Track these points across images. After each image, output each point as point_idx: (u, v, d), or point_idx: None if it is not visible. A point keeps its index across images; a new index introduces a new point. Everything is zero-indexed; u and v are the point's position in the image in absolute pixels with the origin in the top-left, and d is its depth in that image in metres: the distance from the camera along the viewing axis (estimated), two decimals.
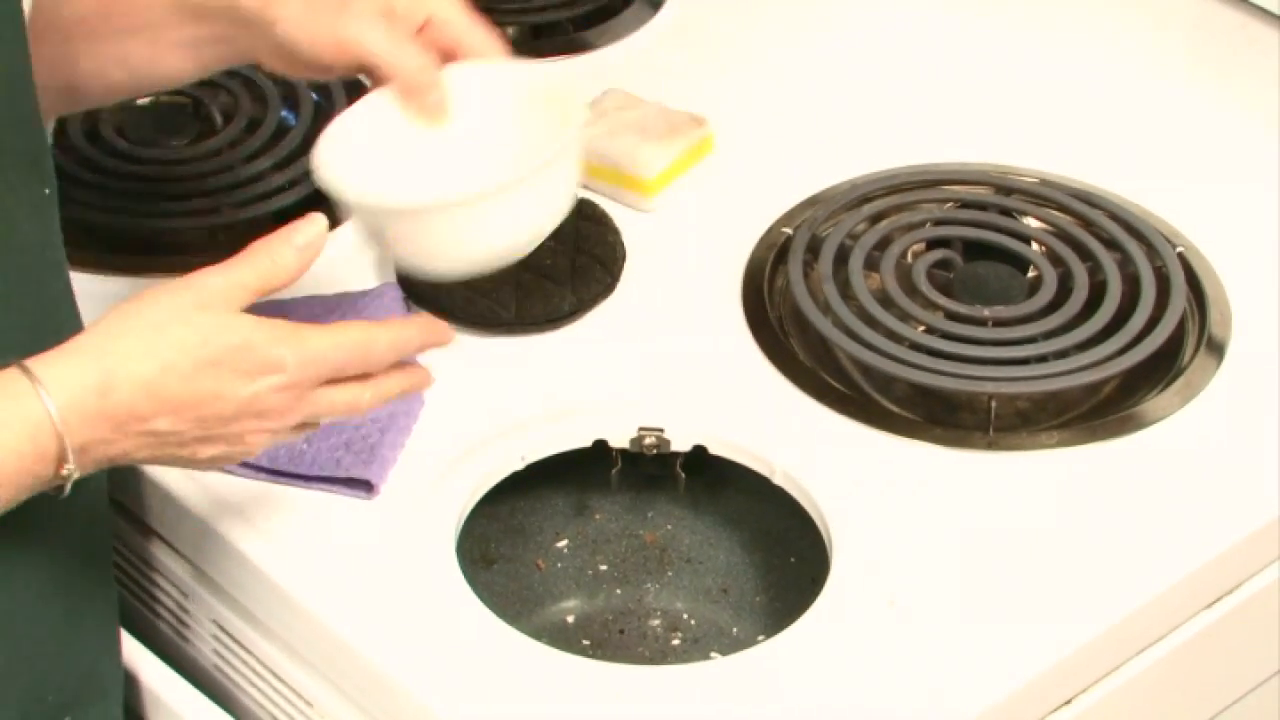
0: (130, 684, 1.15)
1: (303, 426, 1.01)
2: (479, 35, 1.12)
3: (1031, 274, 1.32)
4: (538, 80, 1.14)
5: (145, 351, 0.94)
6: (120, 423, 0.94)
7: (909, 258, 1.32)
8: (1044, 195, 1.37)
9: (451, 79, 1.11)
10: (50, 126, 1.11)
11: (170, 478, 1.16)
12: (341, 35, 1.08)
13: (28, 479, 0.93)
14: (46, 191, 1.03)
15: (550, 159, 1.06)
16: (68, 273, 1.06)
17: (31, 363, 0.93)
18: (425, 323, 1.05)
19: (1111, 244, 1.32)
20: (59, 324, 1.04)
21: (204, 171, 1.37)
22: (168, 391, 0.95)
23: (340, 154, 1.10)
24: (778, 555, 1.25)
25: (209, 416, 0.96)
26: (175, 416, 0.95)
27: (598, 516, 1.27)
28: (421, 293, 1.27)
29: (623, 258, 1.32)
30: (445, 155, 1.13)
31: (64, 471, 0.94)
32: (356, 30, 1.08)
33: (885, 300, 1.28)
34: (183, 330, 0.95)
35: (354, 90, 1.46)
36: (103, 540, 1.11)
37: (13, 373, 0.93)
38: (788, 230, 1.34)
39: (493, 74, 1.13)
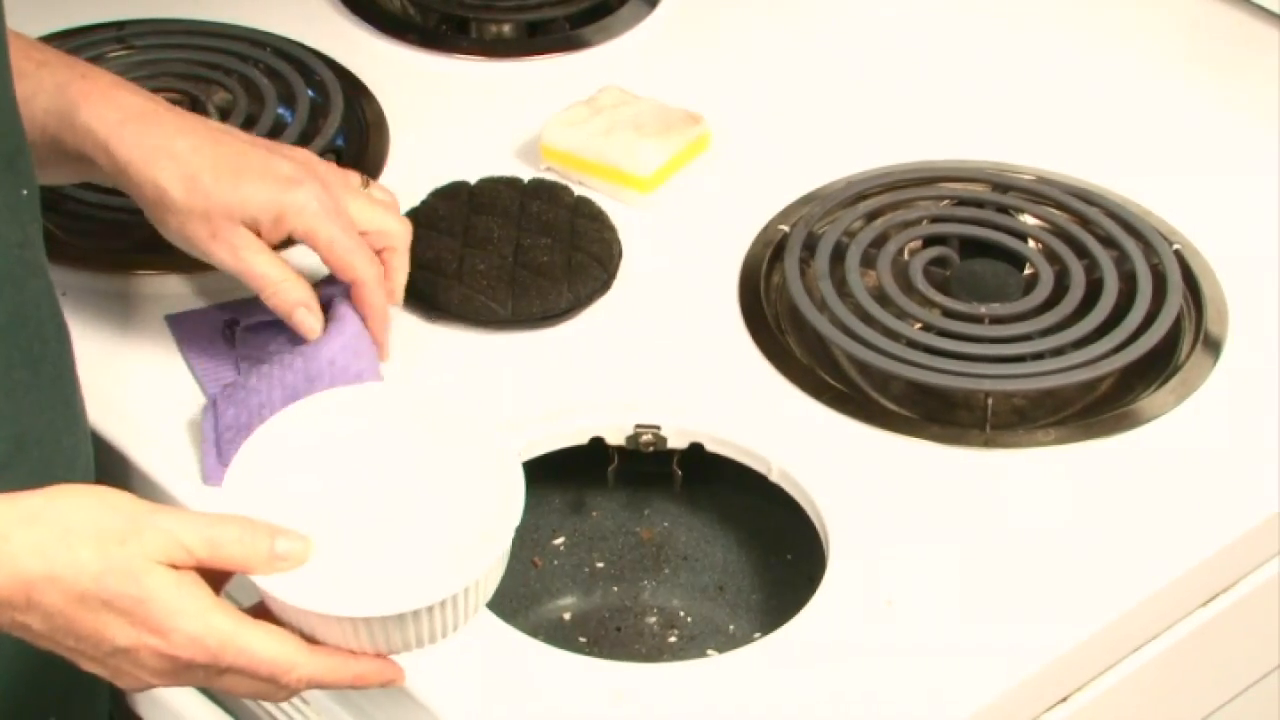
0: None
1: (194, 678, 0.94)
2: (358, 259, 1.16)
3: (1028, 271, 1.32)
4: (477, 428, 1.01)
5: (44, 552, 0.90)
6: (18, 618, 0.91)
7: (906, 255, 1.32)
8: (1041, 193, 1.37)
9: (379, 397, 1.02)
10: None
11: (161, 470, 1.16)
12: (223, 258, 1.14)
13: None
14: (24, 192, 1.03)
15: (490, 564, 0.95)
16: (48, 274, 1.05)
17: None
18: (378, 668, 0.95)
19: (1108, 241, 1.32)
20: (38, 323, 1.03)
21: None
22: (46, 601, 0.90)
23: (253, 479, 0.99)
24: (774, 553, 1.25)
25: (81, 645, 0.92)
26: (48, 625, 0.91)
27: (594, 514, 1.28)
28: (416, 288, 1.27)
29: (619, 255, 1.32)
30: (363, 485, 1.00)
31: None
32: (245, 258, 1.14)
33: (882, 298, 1.28)
34: (90, 554, 0.90)
35: (350, 88, 1.46)
36: None
37: None
38: (784, 228, 1.34)
39: (415, 402, 1.02)
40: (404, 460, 1.00)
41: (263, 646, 0.92)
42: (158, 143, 1.13)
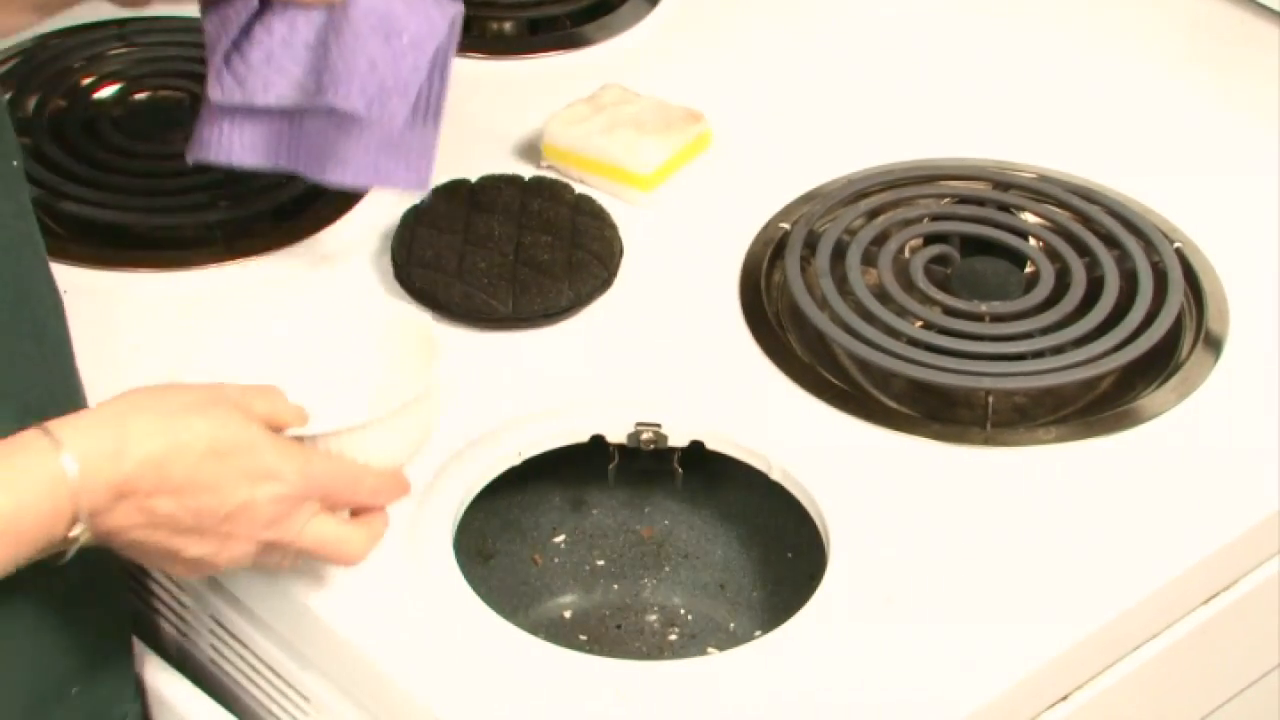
0: None
1: (275, 548, 1.01)
2: None
3: (1029, 269, 1.32)
4: (399, 314, 1.13)
5: (159, 430, 0.96)
6: (124, 494, 0.95)
7: (906, 253, 1.32)
8: (1042, 191, 1.37)
9: (317, 304, 1.12)
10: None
11: None
12: None
13: (41, 536, 0.94)
14: (15, 164, 1.03)
15: (409, 401, 1.05)
16: (43, 246, 1.05)
17: (53, 425, 0.95)
18: (397, 482, 1.06)
19: (1109, 239, 1.32)
20: (39, 296, 1.03)
21: (201, 166, 1.37)
22: (173, 472, 0.96)
23: (203, 367, 1.08)
24: (775, 550, 1.25)
25: (205, 509, 0.97)
26: (175, 500, 0.97)
27: (595, 512, 1.28)
28: (417, 286, 1.27)
29: (620, 253, 1.32)
30: (303, 379, 1.10)
31: (72, 534, 0.95)
32: None
33: (883, 296, 1.28)
34: (198, 419, 0.97)
35: None
36: None
37: (35, 433, 0.94)
38: (785, 226, 1.34)
39: (352, 303, 1.13)
40: (335, 348, 1.11)
41: (344, 466, 1.02)
42: None
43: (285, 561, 1.03)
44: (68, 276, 1.24)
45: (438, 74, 1.08)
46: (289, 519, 1.00)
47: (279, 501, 0.99)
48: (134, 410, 0.97)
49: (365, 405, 1.11)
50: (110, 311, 1.25)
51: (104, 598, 1.10)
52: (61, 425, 0.95)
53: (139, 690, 1.15)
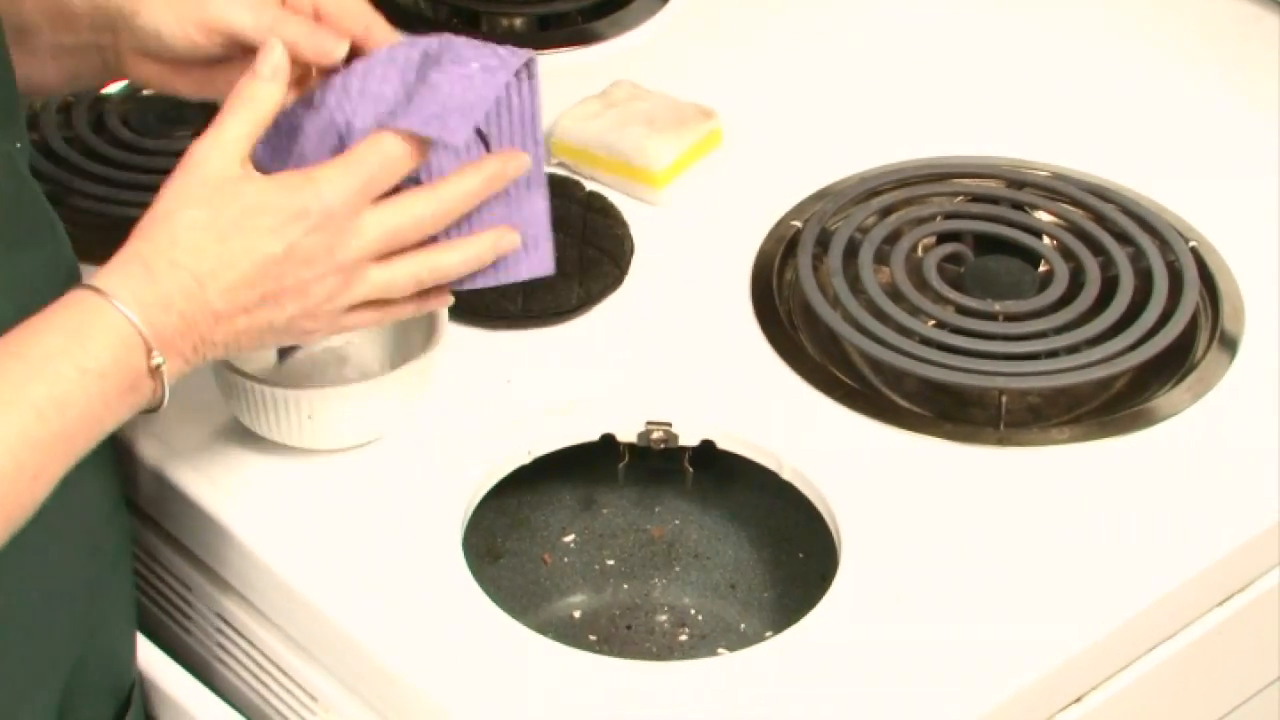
0: None
1: (366, 270, 1.01)
2: (375, 22, 1.10)
3: (1043, 268, 1.32)
4: None
5: (173, 241, 0.98)
6: (181, 309, 0.97)
7: (919, 252, 1.32)
8: (1056, 189, 1.37)
9: None
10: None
11: (170, 466, 1.16)
12: (206, 15, 1.08)
13: (127, 372, 0.96)
14: (19, 145, 1.04)
15: (410, 368, 1.13)
16: (62, 228, 1.06)
17: (88, 279, 0.97)
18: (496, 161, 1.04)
19: (1124, 238, 1.32)
20: (66, 278, 1.04)
21: None
22: (204, 269, 0.98)
23: None
24: (786, 551, 1.25)
25: (255, 275, 0.99)
26: (224, 290, 0.98)
27: (605, 511, 1.28)
28: None
29: (631, 250, 1.32)
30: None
31: (154, 363, 0.96)
32: (221, 7, 1.08)
33: (895, 294, 1.28)
34: (195, 210, 0.98)
35: None
36: (121, 526, 1.12)
37: (77, 291, 0.97)
38: (797, 224, 1.34)
39: None
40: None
41: (358, 156, 1.00)
42: None
43: (402, 282, 1.02)
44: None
45: (530, 133, 1.06)
46: (346, 231, 1.00)
47: (319, 226, 0.99)
48: (141, 233, 0.99)
49: (361, 368, 1.17)
50: None
51: (108, 589, 1.10)
52: (96, 276, 0.97)
53: (141, 686, 1.15)
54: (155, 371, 0.97)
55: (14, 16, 1.10)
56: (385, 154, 1.01)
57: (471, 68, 1.02)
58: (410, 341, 1.17)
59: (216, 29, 1.08)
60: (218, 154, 1.00)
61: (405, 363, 1.15)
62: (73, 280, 1.00)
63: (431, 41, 1.04)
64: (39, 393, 0.92)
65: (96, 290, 0.96)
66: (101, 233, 1.31)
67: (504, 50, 1.04)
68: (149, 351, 0.96)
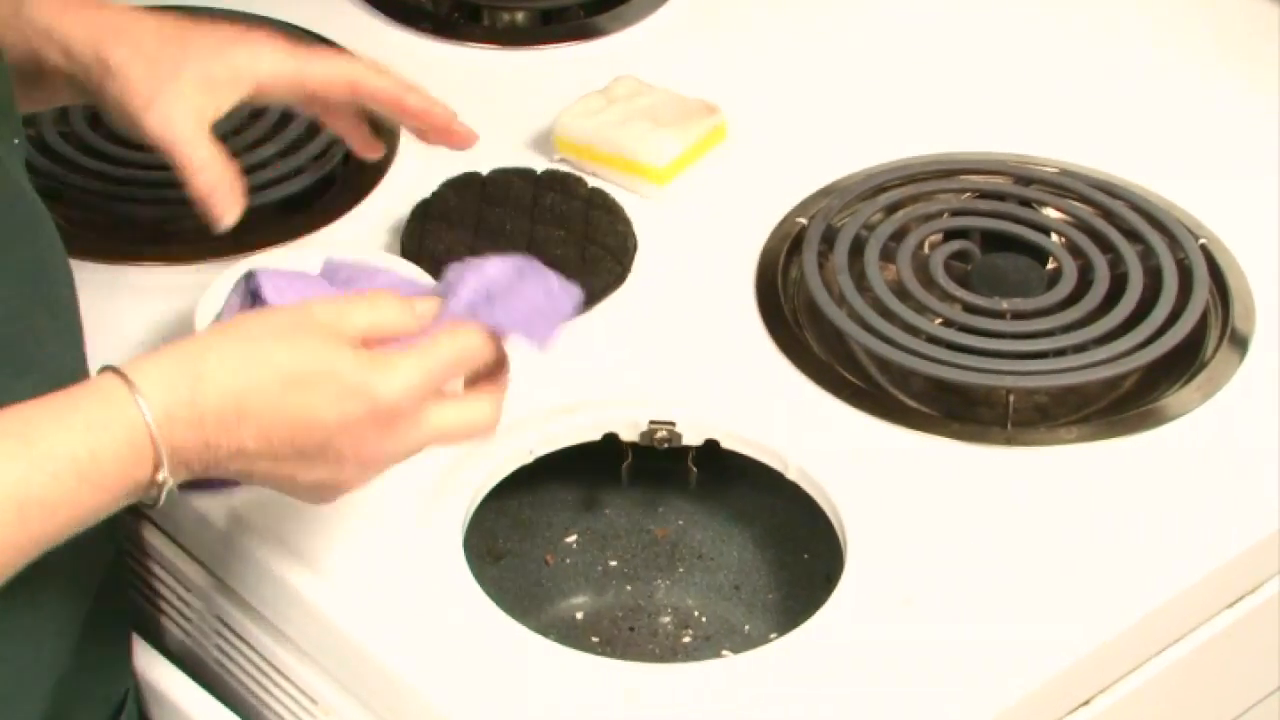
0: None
1: (404, 454, 0.99)
2: (385, 78, 1.17)
3: (1051, 266, 1.32)
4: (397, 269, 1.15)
5: (236, 365, 0.95)
6: (209, 433, 0.94)
7: (926, 249, 1.33)
8: (1064, 186, 1.37)
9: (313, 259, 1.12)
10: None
11: None
12: (150, 120, 1.13)
13: (128, 483, 0.93)
14: (16, 141, 1.04)
15: None
16: (51, 220, 1.06)
17: (126, 367, 0.94)
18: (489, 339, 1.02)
19: (1133, 235, 1.32)
20: (56, 269, 1.04)
21: None
22: (253, 406, 0.95)
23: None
24: (791, 552, 1.25)
25: (299, 439, 0.96)
26: (261, 434, 0.95)
27: (607, 511, 1.28)
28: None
29: (634, 248, 1.32)
30: None
31: (159, 478, 0.94)
32: (164, 111, 1.13)
33: (901, 292, 1.28)
34: (277, 347, 0.96)
35: None
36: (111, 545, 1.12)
37: (108, 377, 0.94)
38: (802, 220, 1.34)
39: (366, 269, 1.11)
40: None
41: (436, 353, 0.98)
42: (103, 20, 1.14)
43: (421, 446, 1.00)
44: (73, 269, 1.25)
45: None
46: (401, 426, 0.97)
47: (379, 415, 0.96)
48: (214, 343, 0.96)
49: None
50: (113, 305, 1.26)
51: (103, 592, 1.10)
52: (136, 367, 0.94)
53: (138, 689, 1.15)
54: (157, 484, 0.94)
55: None
56: (463, 347, 0.99)
57: (552, 281, 1.03)
58: None
59: (155, 137, 1.13)
60: (327, 318, 0.97)
61: None
62: (60, 278, 1.00)
63: (517, 259, 1.04)
64: (30, 493, 0.90)
65: (128, 383, 0.93)
66: (97, 230, 1.32)
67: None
68: (157, 466, 0.93)
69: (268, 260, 1.18)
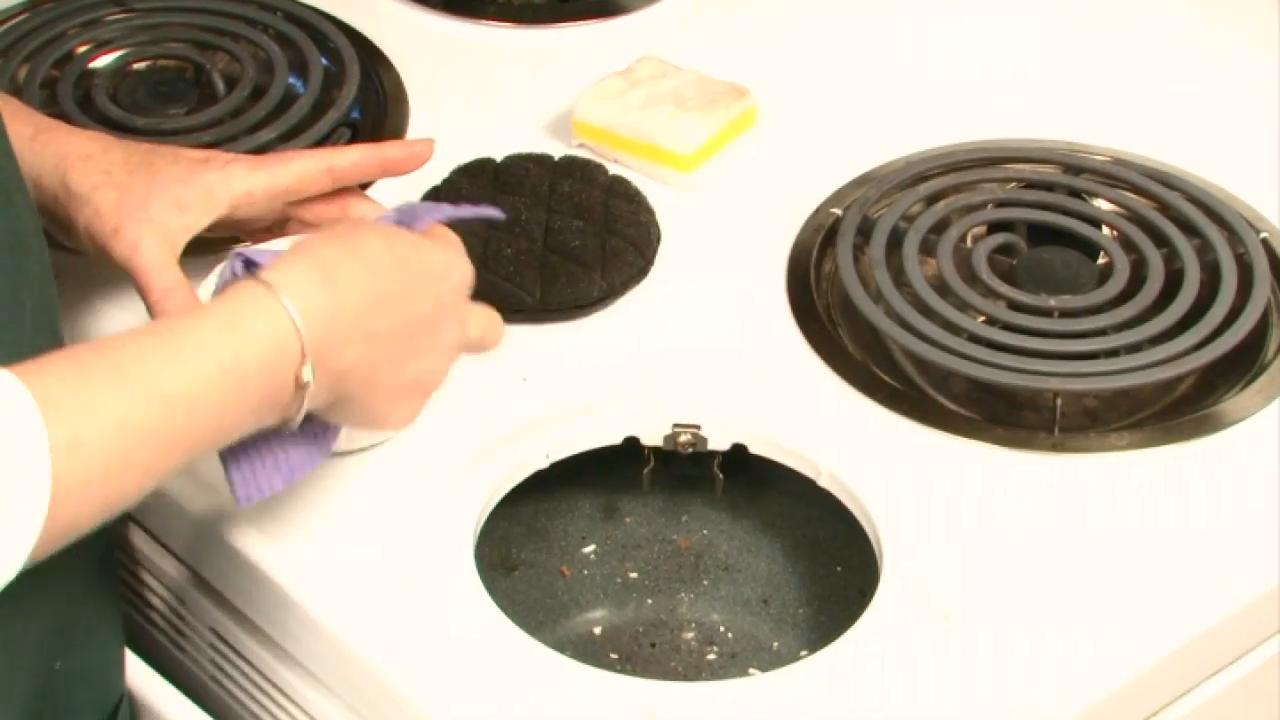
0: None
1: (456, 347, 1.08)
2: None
3: (1102, 261, 1.31)
4: None
5: (351, 256, 1.02)
6: (345, 320, 1.00)
7: (968, 242, 1.32)
8: (1116, 175, 1.37)
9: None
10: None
11: None
12: (118, 247, 1.17)
13: (271, 382, 0.97)
14: None
15: None
16: (27, 193, 1.07)
17: (261, 273, 0.99)
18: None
19: (1189, 229, 1.32)
20: (27, 242, 1.04)
21: (204, 142, 1.37)
22: (379, 286, 1.02)
23: None
24: (823, 564, 1.25)
25: (413, 317, 1.03)
26: (389, 313, 1.02)
27: (628, 520, 1.28)
28: None
29: (657, 239, 1.32)
30: None
31: (303, 376, 0.98)
32: (132, 237, 1.17)
33: (942, 288, 1.28)
34: (369, 236, 1.04)
35: (367, 56, 1.46)
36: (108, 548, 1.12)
37: (245, 283, 0.99)
38: (837, 211, 1.34)
39: None
40: None
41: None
42: (71, 147, 1.19)
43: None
44: (55, 261, 1.24)
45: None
46: (464, 309, 1.07)
47: (457, 293, 1.06)
48: (319, 246, 1.02)
49: None
50: (100, 300, 1.26)
51: (89, 599, 1.10)
52: (270, 272, 0.99)
53: (131, 704, 1.15)
54: (300, 387, 0.98)
55: None
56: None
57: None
58: None
59: (122, 262, 1.18)
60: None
61: None
62: (32, 249, 1.00)
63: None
64: (174, 385, 0.93)
65: (265, 284, 0.98)
66: None
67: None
68: (301, 362, 0.98)
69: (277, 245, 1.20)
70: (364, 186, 1.35)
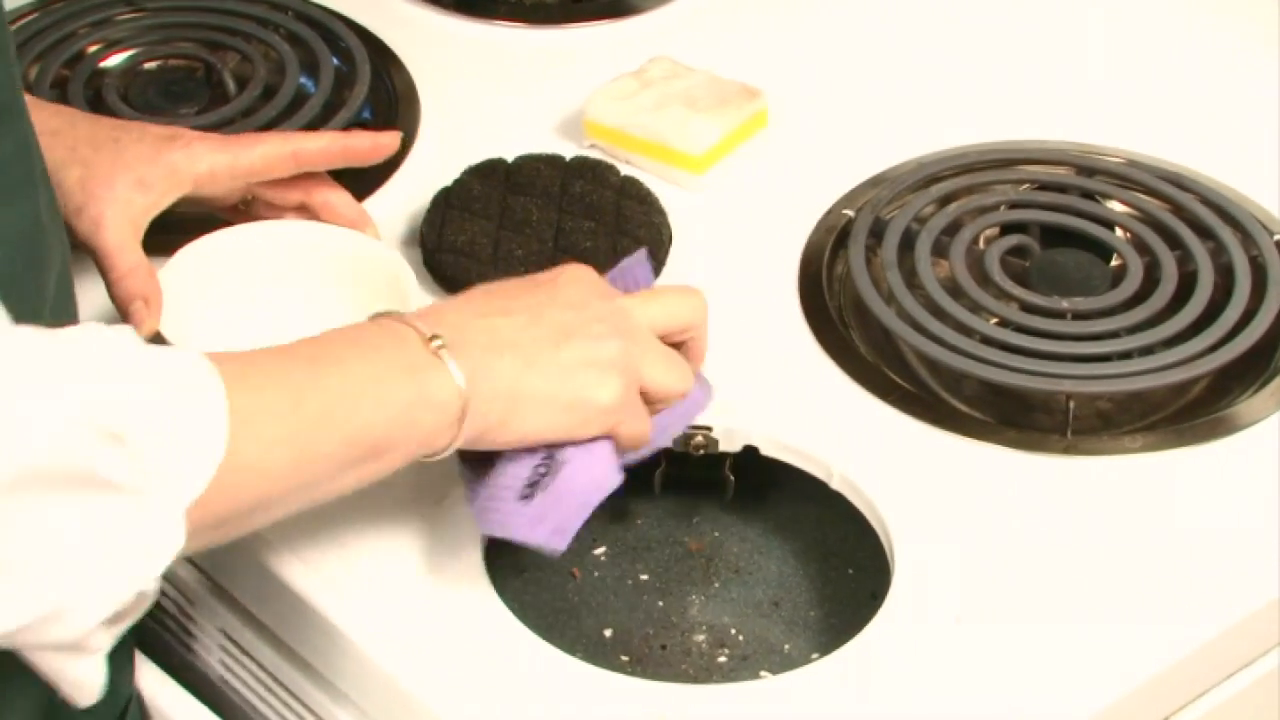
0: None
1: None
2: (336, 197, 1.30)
3: (1115, 263, 1.32)
4: (373, 252, 1.25)
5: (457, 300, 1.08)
6: (472, 325, 1.04)
7: (981, 244, 1.33)
8: (1130, 177, 1.37)
9: (290, 233, 1.26)
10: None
11: None
12: (81, 225, 1.20)
13: (424, 408, 1.01)
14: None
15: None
16: (50, 187, 1.08)
17: (431, 326, 1.03)
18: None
19: (1203, 231, 1.32)
20: (48, 237, 1.05)
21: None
22: (490, 292, 1.07)
23: (170, 298, 1.21)
24: (834, 566, 1.25)
25: (534, 303, 1.06)
26: (507, 305, 1.06)
27: (639, 522, 1.28)
28: (448, 273, 1.28)
29: (668, 241, 1.33)
30: (270, 314, 1.25)
31: (458, 383, 1.01)
32: (94, 215, 1.20)
33: (955, 290, 1.28)
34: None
35: (378, 56, 1.47)
36: None
37: (380, 320, 1.04)
38: (849, 212, 1.35)
39: (321, 236, 1.27)
40: (297, 280, 1.25)
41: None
42: (36, 124, 1.17)
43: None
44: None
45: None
46: (624, 306, 1.09)
47: (611, 299, 1.09)
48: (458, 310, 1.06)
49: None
50: (104, 298, 1.26)
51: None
52: (439, 324, 1.03)
53: (141, 705, 1.16)
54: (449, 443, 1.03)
55: None
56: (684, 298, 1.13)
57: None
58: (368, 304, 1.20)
59: (84, 240, 1.20)
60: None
61: None
62: (50, 238, 1.02)
63: None
64: (374, 430, 0.99)
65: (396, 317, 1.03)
66: None
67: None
68: (461, 420, 1.02)
69: (241, 231, 1.27)
70: (378, 184, 1.36)
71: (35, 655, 0.91)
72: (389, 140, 1.31)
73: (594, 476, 1.07)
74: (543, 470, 1.07)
